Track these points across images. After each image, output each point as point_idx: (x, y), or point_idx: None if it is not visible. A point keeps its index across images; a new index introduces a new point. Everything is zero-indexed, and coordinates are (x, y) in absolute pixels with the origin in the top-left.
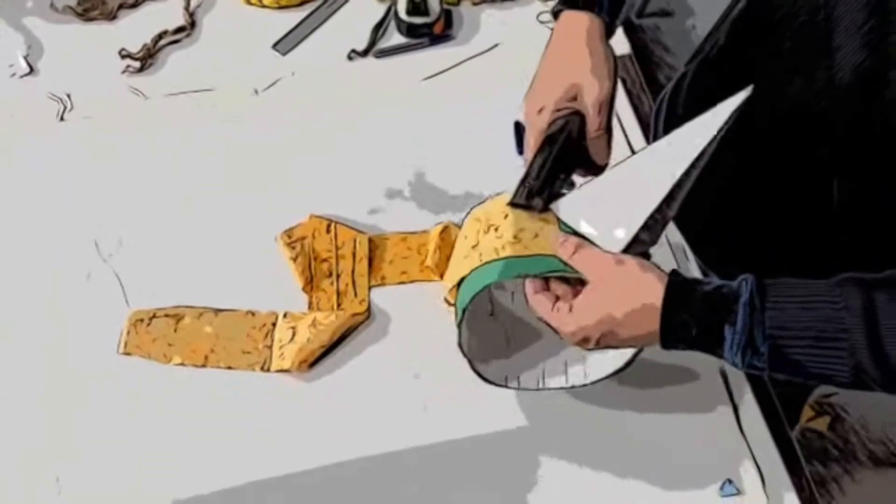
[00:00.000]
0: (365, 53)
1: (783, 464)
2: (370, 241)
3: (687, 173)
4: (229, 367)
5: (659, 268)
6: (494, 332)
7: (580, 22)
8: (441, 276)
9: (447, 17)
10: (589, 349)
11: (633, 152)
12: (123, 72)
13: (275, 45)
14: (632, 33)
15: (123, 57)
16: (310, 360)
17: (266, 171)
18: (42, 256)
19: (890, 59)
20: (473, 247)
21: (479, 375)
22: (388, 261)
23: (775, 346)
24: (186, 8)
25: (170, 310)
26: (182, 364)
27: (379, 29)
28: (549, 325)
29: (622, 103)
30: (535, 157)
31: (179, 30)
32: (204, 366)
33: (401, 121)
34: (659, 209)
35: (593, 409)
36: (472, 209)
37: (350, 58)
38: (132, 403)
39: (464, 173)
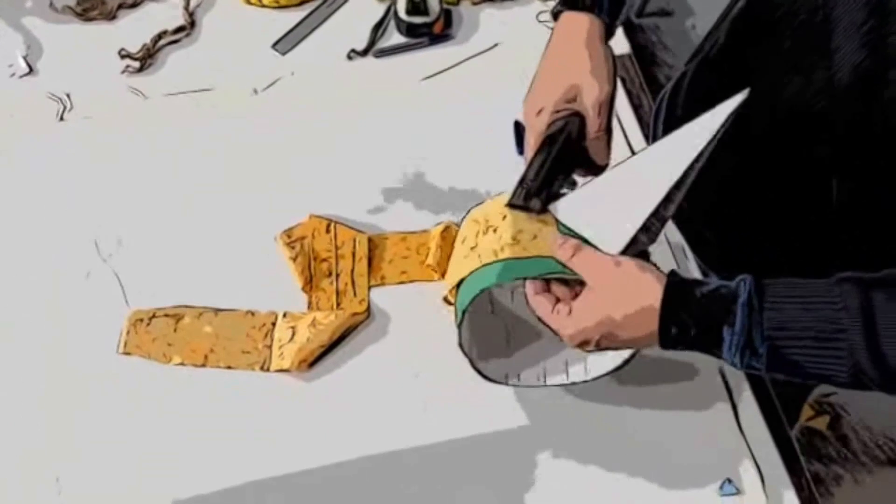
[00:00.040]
0: (364, 53)
1: (783, 463)
2: (370, 240)
3: (685, 175)
4: (229, 367)
5: (658, 268)
6: (494, 331)
7: (580, 23)
8: (442, 276)
9: (447, 16)
10: (589, 351)
11: (633, 152)
12: (123, 72)
13: (274, 45)
14: (631, 33)
15: (123, 57)
16: (309, 359)
17: (265, 171)
18: (42, 256)
19: (889, 59)
20: (472, 248)
21: (480, 373)
22: (388, 260)
23: (774, 347)
24: (186, 8)
25: (169, 310)
26: (182, 364)
27: (378, 28)
28: (548, 327)
29: (622, 103)
30: (534, 158)
31: (179, 30)
32: (204, 365)
33: (400, 120)
34: (657, 211)
35: (593, 409)
36: (470, 210)
37: (350, 57)
38: (132, 403)
39: (463, 173)
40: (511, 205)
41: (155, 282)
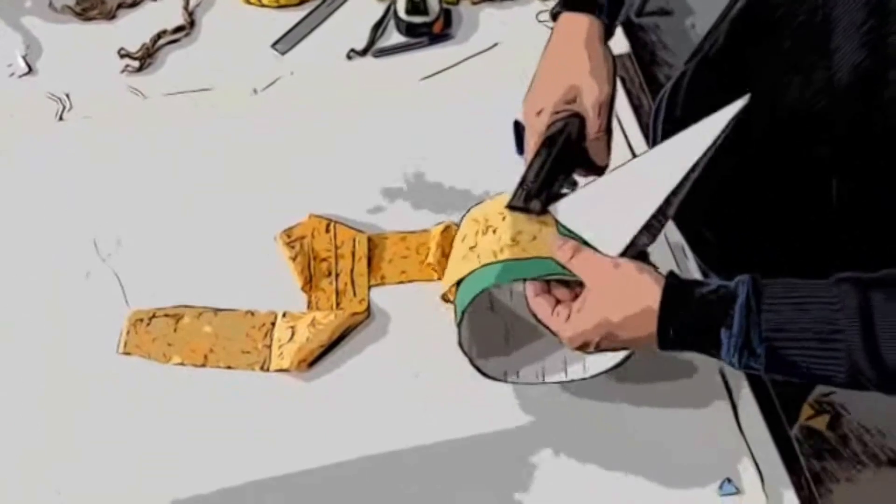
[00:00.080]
0: (364, 53)
1: (782, 462)
2: (369, 240)
3: (684, 179)
4: (229, 367)
5: (657, 269)
6: (494, 329)
7: (579, 24)
8: (442, 275)
9: (446, 16)
10: (589, 352)
11: (633, 151)
12: (122, 71)
13: (274, 45)
14: (631, 32)
15: (122, 56)
16: (309, 359)
17: (265, 171)
18: (41, 256)
19: (889, 59)
20: (472, 248)
21: (479, 370)
22: (388, 260)
23: (772, 348)
24: (185, 7)
25: (169, 309)
26: (181, 364)
27: (378, 28)
28: (548, 329)
29: (621, 102)
30: (534, 159)
31: (178, 29)
32: (203, 365)
33: (400, 120)
34: (656, 214)
35: (593, 409)
36: (469, 209)
37: (349, 57)
38: (132, 403)
39: (463, 172)
40: (511, 206)
41: (154, 282)
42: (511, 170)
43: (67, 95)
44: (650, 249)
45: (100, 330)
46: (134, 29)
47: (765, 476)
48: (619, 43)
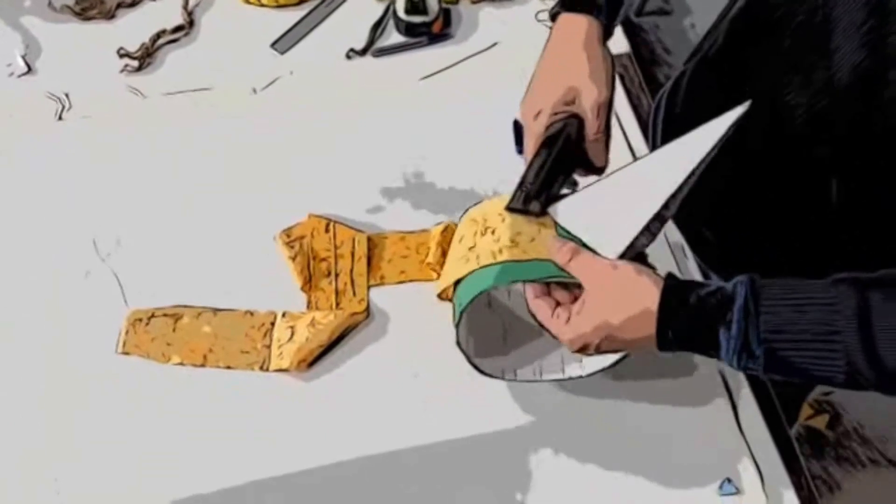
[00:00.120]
0: (363, 52)
1: (782, 462)
2: (369, 240)
3: (683, 184)
4: (228, 367)
5: (655, 271)
6: (491, 327)
7: (578, 25)
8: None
9: (446, 15)
10: (589, 354)
11: (632, 151)
12: (122, 71)
13: (273, 44)
14: (631, 32)
15: (122, 56)
16: (308, 359)
17: (265, 171)
18: (40, 256)
19: (889, 59)
20: (470, 248)
21: (477, 368)
22: (387, 260)
23: (770, 350)
24: (185, 7)
25: (168, 309)
26: (181, 364)
27: (377, 28)
28: (548, 331)
29: (621, 101)
30: (533, 160)
31: (178, 29)
32: (203, 365)
33: (399, 120)
34: (656, 216)
35: (592, 409)
36: (467, 209)
37: (348, 57)
38: (131, 403)
39: (462, 172)
40: (510, 209)
41: (154, 281)
42: (511, 169)
43: (67, 95)
44: (649, 250)
45: (99, 330)
46: (133, 29)
47: (765, 476)
48: (619, 43)
